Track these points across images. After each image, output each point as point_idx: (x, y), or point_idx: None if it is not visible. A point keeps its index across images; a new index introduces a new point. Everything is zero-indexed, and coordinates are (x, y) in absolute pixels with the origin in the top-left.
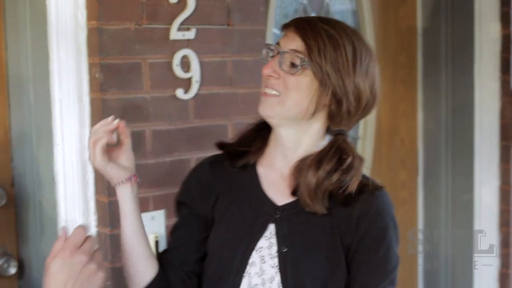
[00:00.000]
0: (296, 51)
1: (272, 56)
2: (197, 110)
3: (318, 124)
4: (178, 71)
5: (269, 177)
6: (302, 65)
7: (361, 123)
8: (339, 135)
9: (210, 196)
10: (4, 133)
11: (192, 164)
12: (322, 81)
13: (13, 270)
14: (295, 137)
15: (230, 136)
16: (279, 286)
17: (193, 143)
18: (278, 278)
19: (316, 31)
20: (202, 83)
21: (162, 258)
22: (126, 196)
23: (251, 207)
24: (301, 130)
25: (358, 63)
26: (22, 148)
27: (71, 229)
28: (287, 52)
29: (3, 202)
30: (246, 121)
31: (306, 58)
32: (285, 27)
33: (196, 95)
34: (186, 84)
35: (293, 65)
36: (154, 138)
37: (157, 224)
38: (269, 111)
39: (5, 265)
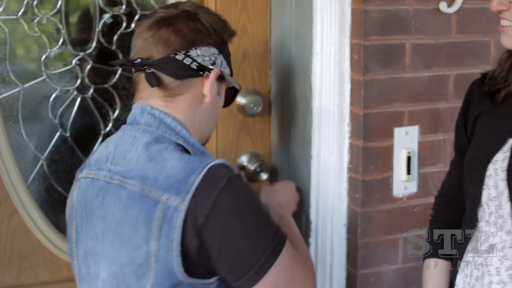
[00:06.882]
0: None
1: None
2: (460, 24)
3: None
4: None
5: None
6: None
7: None
8: None
9: (474, 114)
10: (264, 41)
11: (451, 80)
12: None
13: (265, 176)
14: None
15: (492, 54)
16: (508, 200)
17: (453, 59)
18: (506, 192)
19: None
20: None
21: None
22: None
23: (497, 122)
24: None
25: None
26: (280, 56)
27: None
28: None
29: (260, 108)
30: None
31: None
32: None
33: (460, 9)
34: None
35: None
36: (414, 51)
37: (410, 140)
38: (508, 43)
39: (258, 170)
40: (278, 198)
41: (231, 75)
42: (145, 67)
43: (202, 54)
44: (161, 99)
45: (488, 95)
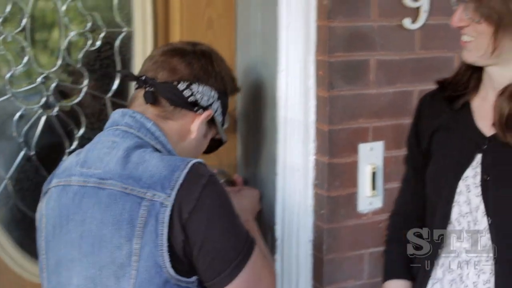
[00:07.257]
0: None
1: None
2: (424, 41)
3: None
4: (407, 0)
5: (481, 110)
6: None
7: None
8: None
9: (428, 129)
10: (230, 57)
11: (415, 96)
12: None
13: None
14: (501, 71)
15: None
16: (484, 215)
17: (417, 75)
18: (482, 207)
19: None
20: (431, 13)
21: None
22: None
23: (461, 138)
24: (504, 63)
25: None
26: (246, 73)
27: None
28: (465, 1)
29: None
30: None
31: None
32: None
33: (424, 25)
34: (414, 13)
35: (476, 12)
36: (378, 67)
37: (374, 155)
38: (469, 57)
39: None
40: (243, 202)
41: (222, 126)
42: (147, 85)
43: (203, 92)
44: (152, 117)
45: (448, 100)
